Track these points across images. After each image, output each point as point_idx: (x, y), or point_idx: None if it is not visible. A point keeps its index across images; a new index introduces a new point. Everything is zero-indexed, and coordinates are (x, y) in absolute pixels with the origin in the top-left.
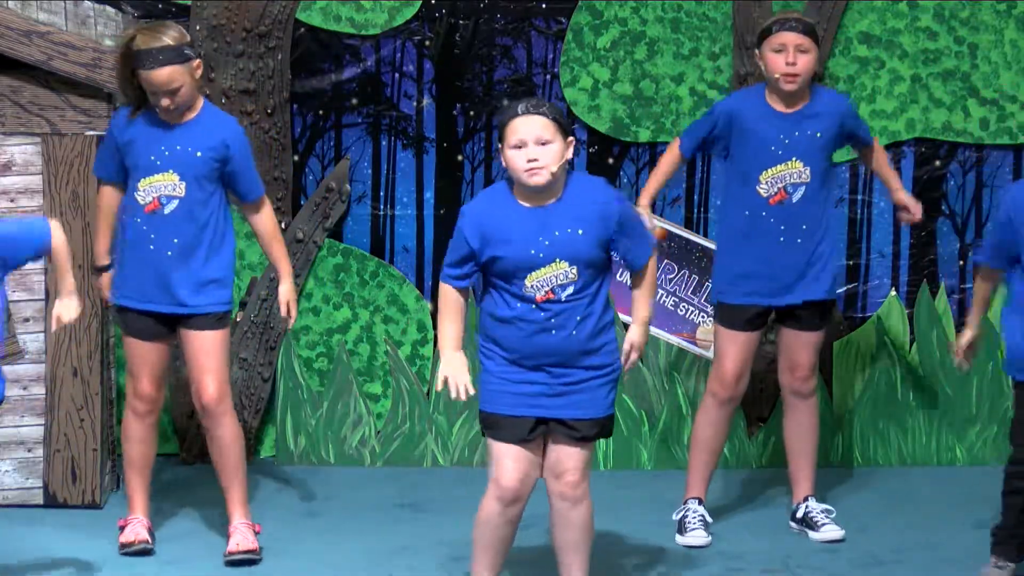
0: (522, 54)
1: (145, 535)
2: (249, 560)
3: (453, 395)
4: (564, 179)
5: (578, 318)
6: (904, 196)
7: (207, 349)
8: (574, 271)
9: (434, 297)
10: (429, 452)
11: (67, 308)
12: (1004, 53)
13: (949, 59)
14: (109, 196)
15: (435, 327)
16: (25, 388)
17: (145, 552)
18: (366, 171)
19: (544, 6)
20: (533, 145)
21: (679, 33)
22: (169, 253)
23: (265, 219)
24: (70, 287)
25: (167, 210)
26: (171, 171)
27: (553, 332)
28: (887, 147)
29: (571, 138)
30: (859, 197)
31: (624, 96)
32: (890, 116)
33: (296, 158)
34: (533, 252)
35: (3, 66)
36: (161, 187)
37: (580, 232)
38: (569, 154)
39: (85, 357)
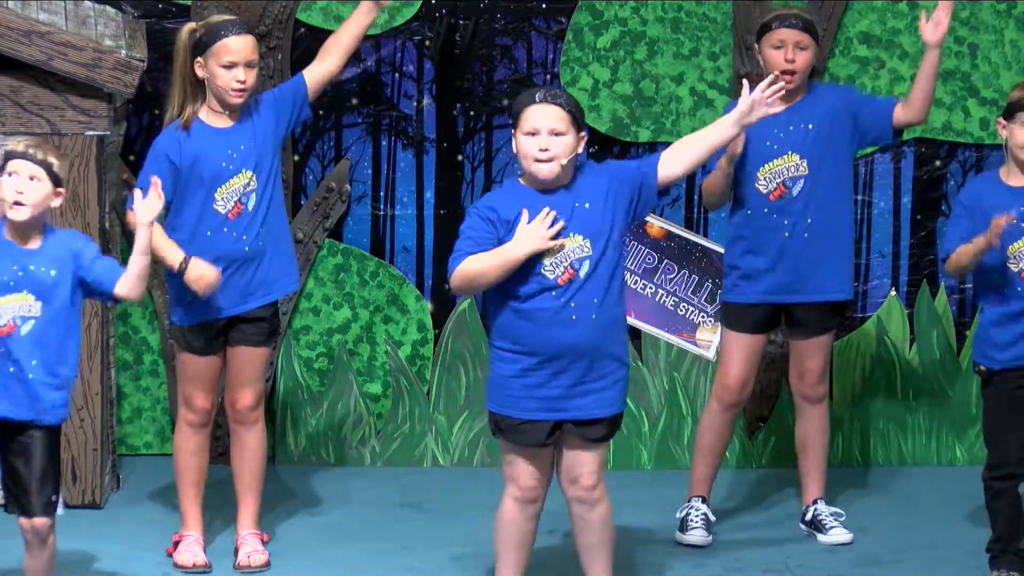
0: (522, 54)
1: (204, 558)
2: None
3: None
4: (572, 171)
5: (595, 300)
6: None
7: (255, 363)
8: (588, 244)
9: (434, 296)
10: (429, 452)
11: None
12: (1004, 53)
13: (949, 59)
14: None
15: (435, 326)
16: None
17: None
18: (366, 171)
19: (544, 6)
20: (546, 135)
21: (679, 33)
22: (261, 243)
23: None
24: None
25: (250, 206)
26: (244, 170)
27: (573, 318)
28: (887, 147)
29: (583, 133)
30: (859, 197)
31: (624, 96)
32: None
33: (296, 158)
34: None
35: (3, 66)
36: (240, 188)
37: (587, 206)
38: (580, 148)
39: (85, 357)
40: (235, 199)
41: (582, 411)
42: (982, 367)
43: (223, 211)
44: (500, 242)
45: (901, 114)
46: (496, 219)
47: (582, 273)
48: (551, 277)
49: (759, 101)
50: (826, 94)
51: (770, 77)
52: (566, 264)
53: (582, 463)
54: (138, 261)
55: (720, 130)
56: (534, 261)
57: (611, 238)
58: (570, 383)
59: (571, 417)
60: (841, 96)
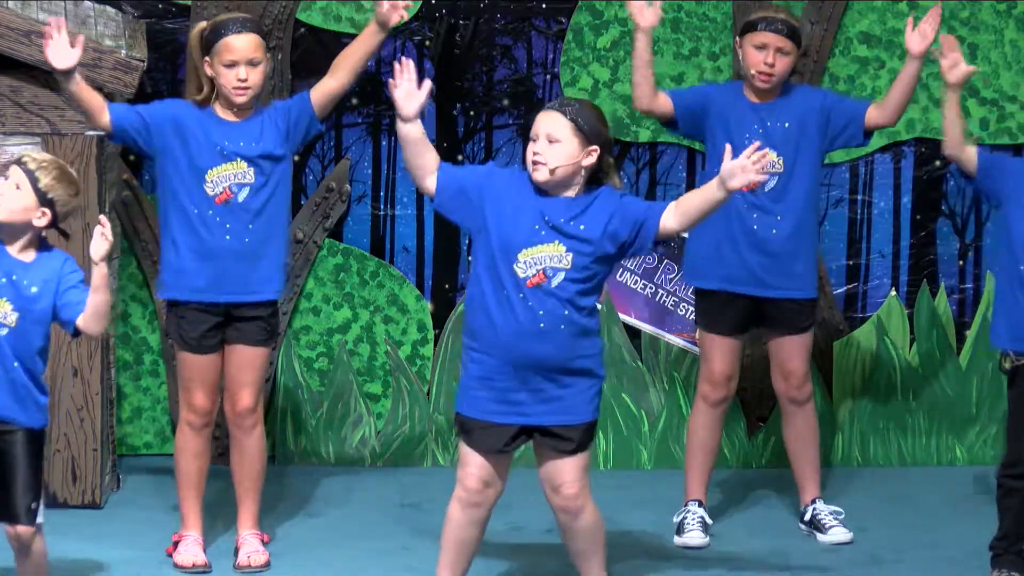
0: (522, 54)
1: (203, 558)
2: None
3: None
4: (583, 183)
5: (565, 312)
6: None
7: (253, 364)
8: (568, 258)
9: (434, 296)
10: (429, 452)
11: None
12: (1004, 53)
13: None
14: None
15: (435, 326)
16: None
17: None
18: (366, 171)
19: (544, 6)
20: (542, 140)
21: (679, 33)
22: (247, 240)
23: (337, 60)
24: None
25: (240, 198)
26: (239, 159)
27: (541, 326)
28: (887, 147)
29: (593, 147)
30: (859, 197)
31: (624, 96)
32: None
33: (296, 158)
34: (536, 228)
35: (3, 66)
36: (231, 176)
37: (582, 227)
38: (586, 161)
39: (85, 357)
40: (224, 184)
41: (544, 417)
42: (1007, 365)
43: (211, 193)
44: (468, 195)
45: (874, 115)
46: (487, 180)
47: (554, 283)
48: (521, 276)
49: (743, 168)
50: (801, 94)
51: (754, 144)
52: (539, 268)
53: (562, 472)
54: (92, 298)
55: (709, 192)
56: (511, 255)
57: (594, 263)
58: (534, 389)
59: (532, 423)
60: (815, 97)
